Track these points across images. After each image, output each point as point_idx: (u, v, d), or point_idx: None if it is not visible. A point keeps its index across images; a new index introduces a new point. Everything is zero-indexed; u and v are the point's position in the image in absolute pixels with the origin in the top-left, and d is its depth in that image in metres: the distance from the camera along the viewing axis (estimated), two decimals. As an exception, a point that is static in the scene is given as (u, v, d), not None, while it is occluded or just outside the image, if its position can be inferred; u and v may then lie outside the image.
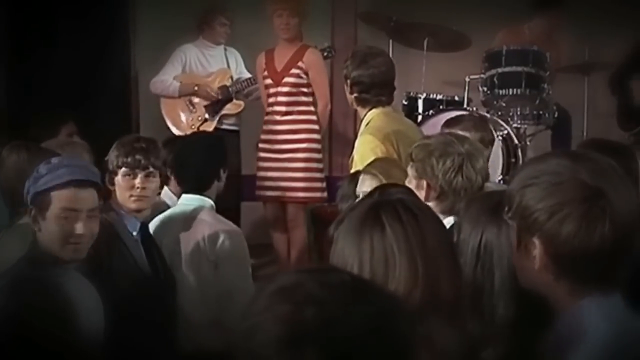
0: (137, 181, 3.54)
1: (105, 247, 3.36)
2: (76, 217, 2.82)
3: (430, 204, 3.12)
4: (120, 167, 3.55)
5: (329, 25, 7.12)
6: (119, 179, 3.56)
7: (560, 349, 1.70)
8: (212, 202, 3.89)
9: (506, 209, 1.77)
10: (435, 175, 3.22)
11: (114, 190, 3.59)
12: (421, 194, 3.18)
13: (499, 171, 5.43)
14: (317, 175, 5.71)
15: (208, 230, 3.78)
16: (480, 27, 6.48)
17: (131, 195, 3.54)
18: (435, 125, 5.52)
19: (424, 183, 3.22)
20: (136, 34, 6.97)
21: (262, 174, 5.77)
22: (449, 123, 4.40)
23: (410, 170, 3.26)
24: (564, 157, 1.74)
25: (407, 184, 3.19)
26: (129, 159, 3.53)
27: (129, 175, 3.54)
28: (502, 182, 5.15)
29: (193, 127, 6.17)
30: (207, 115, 6.19)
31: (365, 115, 4.54)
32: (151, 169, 3.55)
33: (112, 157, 3.58)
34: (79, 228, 2.81)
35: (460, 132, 4.14)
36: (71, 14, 6.36)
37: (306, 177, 5.63)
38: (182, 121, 6.24)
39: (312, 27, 6.14)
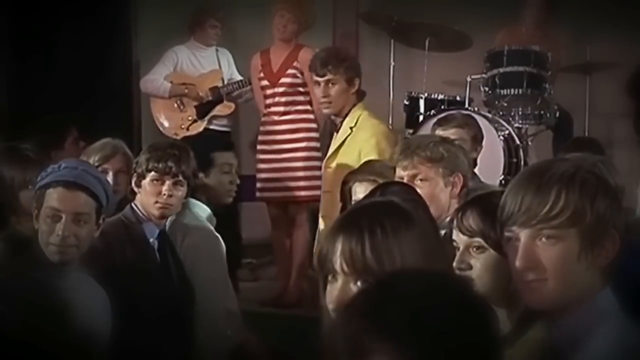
0: (165, 188, 3.43)
1: (119, 251, 3.31)
2: (59, 218, 2.78)
3: (454, 200, 3.16)
4: (150, 172, 3.44)
5: (330, 25, 7.11)
6: (146, 182, 3.46)
7: (578, 337, 1.70)
8: (192, 201, 3.82)
9: (565, 220, 1.72)
10: (467, 168, 3.28)
11: (139, 192, 3.50)
12: (455, 190, 3.20)
13: (501, 171, 5.43)
14: (317, 173, 5.70)
15: (180, 229, 3.71)
16: (481, 27, 6.48)
17: (156, 202, 3.44)
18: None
19: (459, 177, 3.23)
20: (138, 34, 6.98)
21: (262, 175, 5.77)
22: (441, 122, 4.40)
23: (430, 170, 3.25)
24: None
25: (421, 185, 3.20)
26: (160, 165, 3.43)
27: (157, 180, 3.44)
28: (503, 182, 5.15)
29: (182, 126, 6.20)
30: (196, 116, 6.21)
31: (350, 111, 4.60)
32: (180, 178, 3.45)
33: (142, 159, 3.48)
34: (58, 230, 2.77)
35: (455, 130, 4.19)
36: (73, 14, 6.38)
37: (307, 176, 5.62)
38: (171, 120, 6.24)
39: (313, 27, 6.10)
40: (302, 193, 5.64)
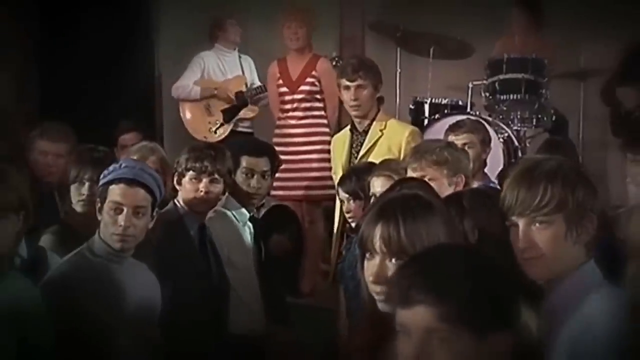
0: (201, 185, 3.76)
1: (165, 242, 3.59)
2: (121, 211, 3.13)
3: None
4: (188, 170, 3.78)
5: (337, 34, 7.32)
6: (185, 180, 3.80)
7: (565, 305, 2.11)
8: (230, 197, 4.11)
9: (552, 208, 2.12)
10: (469, 170, 3.70)
11: (180, 190, 3.83)
12: (458, 189, 3.57)
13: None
14: (329, 174, 5.99)
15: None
16: (482, 36, 6.71)
17: (195, 198, 3.78)
18: (441, 128, 5.82)
19: (462, 177, 3.63)
20: (160, 37, 7.17)
21: (277, 174, 6.03)
22: (453, 129, 4.71)
23: (436, 172, 3.62)
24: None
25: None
26: (197, 164, 3.77)
27: (195, 179, 3.77)
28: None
29: (210, 130, 6.47)
30: (223, 120, 6.49)
31: (376, 115, 4.97)
32: (216, 176, 3.78)
33: (182, 159, 3.82)
34: (120, 220, 3.12)
35: (465, 135, 4.55)
36: (96, 19, 6.51)
37: (321, 176, 5.89)
38: (200, 124, 6.50)
39: (321, 37, 6.41)
40: (316, 192, 5.92)
